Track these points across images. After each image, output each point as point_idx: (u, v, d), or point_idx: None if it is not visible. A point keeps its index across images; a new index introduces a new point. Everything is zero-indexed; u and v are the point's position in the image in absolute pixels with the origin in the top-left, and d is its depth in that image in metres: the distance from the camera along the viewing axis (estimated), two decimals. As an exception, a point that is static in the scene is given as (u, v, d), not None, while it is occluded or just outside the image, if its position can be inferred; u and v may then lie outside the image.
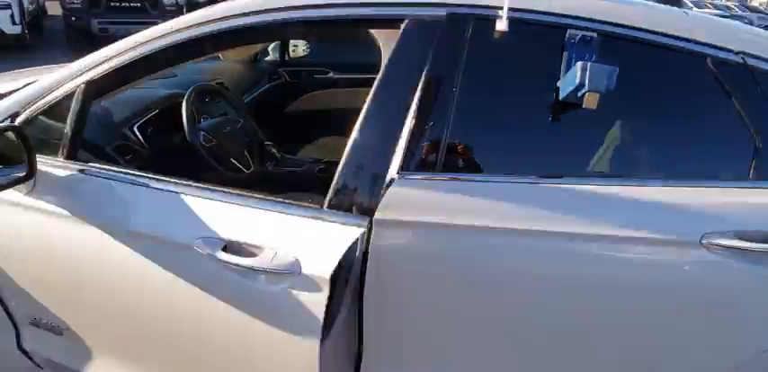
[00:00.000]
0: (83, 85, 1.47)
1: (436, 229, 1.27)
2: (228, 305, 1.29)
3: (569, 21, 1.30)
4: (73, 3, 8.90)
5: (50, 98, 1.50)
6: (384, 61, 1.35)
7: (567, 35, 1.29)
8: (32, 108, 1.52)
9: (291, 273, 1.22)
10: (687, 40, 1.29)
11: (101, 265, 1.43)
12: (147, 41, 1.46)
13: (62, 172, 1.46)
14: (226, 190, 1.37)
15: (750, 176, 1.26)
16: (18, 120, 1.51)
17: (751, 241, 1.18)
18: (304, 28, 1.55)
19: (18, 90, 1.63)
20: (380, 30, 1.40)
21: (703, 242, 1.19)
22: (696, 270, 1.23)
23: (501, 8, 1.27)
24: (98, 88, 1.51)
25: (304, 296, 1.21)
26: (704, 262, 1.21)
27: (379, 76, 1.34)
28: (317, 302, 1.20)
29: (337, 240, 1.21)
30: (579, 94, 1.23)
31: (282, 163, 2.44)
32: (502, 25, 1.27)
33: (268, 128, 2.54)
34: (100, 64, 1.47)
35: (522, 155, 1.38)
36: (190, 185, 1.39)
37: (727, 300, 1.26)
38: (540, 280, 1.29)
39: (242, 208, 1.33)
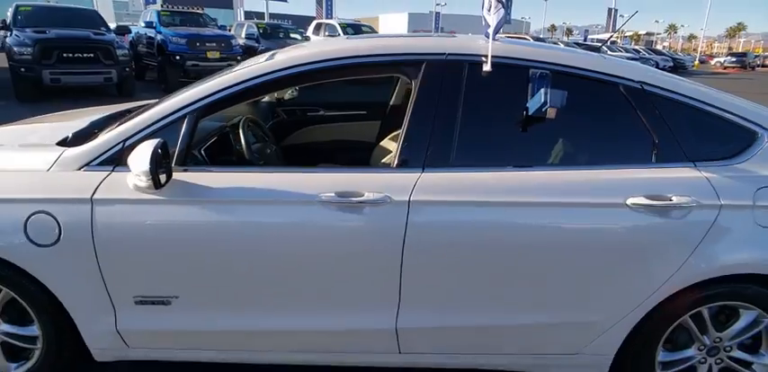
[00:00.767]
0: (189, 116, 1.98)
1: (467, 206, 1.88)
2: (341, 234, 1.91)
3: (532, 63, 1.99)
4: (23, 54, 9.03)
5: (161, 124, 1.99)
6: (414, 89, 1.99)
7: (530, 72, 1.97)
8: (145, 132, 1.98)
9: (386, 202, 1.87)
10: (608, 74, 2.01)
11: (231, 236, 1.90)
12: (242, 81, 2.01)
13: (180, 174, 1.93)
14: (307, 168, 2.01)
15: (652, 160, 1.95)
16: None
17: (654, 200, 1.86)
18: (359, 69, 2.19)
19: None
20: (409, 68, 2.06)
21: (627, 202, 1.86)
22: (623, 221, 1.89)
23: (486, 55, 1.94)
24: (199, 116, 2.01)
25: (395, 214, 1.88)
26: (628, 215, 1.88)
27: (412, 98, 1.98)
28: (402, 215, 1.88)
29: (405, 182, 1.89)
30: (543, 109, 1.90)
31: None
32: (487, 67, 1.94)
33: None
34: (203, 98, 2.00)
35: (504, 151, 2.02)
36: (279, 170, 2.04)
37: (643, 239, 1.90)
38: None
39: (329, 174, 1.97)
